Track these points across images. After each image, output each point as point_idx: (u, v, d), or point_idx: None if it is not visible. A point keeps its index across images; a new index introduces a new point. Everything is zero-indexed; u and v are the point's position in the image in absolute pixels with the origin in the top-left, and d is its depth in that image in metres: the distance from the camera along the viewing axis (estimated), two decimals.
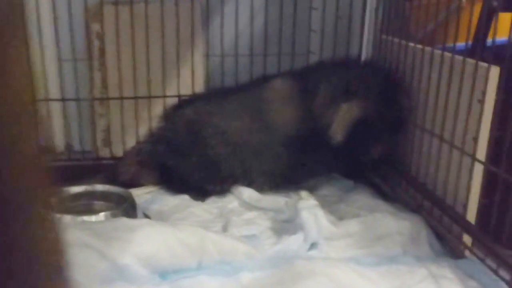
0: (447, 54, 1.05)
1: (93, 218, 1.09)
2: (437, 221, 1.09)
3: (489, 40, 1.04)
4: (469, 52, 1.02)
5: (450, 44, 1.05)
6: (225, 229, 1.10)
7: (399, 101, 1.18)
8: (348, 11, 1.42)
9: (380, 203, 1.17)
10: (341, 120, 1.15)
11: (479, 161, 0.97)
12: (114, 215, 1.09)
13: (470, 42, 1.05)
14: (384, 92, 1.17)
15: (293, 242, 1.00)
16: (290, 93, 1.23)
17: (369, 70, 1.25)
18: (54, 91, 1.43)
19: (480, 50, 1.00)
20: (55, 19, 1.35)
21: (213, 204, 1.23)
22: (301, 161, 1.25)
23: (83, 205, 1.21)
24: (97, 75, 1.45)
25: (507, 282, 0.88)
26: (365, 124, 1.15)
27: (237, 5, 1.41)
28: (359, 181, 1.32)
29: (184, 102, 1.35)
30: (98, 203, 1.22)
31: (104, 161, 1.43)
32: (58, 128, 1.49)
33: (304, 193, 1.14)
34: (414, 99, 1.18)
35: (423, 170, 1.16)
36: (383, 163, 1.29)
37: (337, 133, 1.15)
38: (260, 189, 1.25)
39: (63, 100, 1.44)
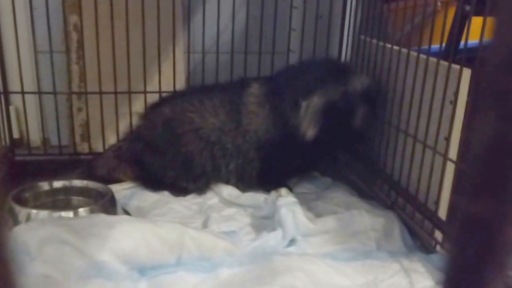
0: (422, 56, 1.08)
1: (70, 214, 1.08)
2: (410, 218, 1.12)
3: (462, 43, 1.07)
4: (443, 54, 1.05)
5: (425, 46, 1.08)
6: (204, 225, 1.11)
7: (358, 79, 1.19)
8: (328, 11, 1.44)
9: (356, 200, 1.20)
10: (306, 117, 1.17)
11: (451, 160, 1.00)
12: (92, 211, 1.09)
13: (444, 45, 1.08)
14: (342, 81, 1.18)
15: (272, 239, 1.01)
16: (265, 98, 1.25)
17: (328, 65, 1.26)
18: (29, 84, 1.41)
19: (453, 52, 1.04)
20: (31, 9, 1.32)
21: (192, 200, 1.24)
22: (273, 166, 1.27)
23: (61, 201, 1.20)
24: (75, 69, 1.43)
25: None
26: (331, 110, 1.16)
27: (218, 3, 1.41)
28: (336, 179, 1.35)
29: (164, 100, 1.35)
30: (76, 199, 1.21)
31: (82, 156, 1.42)
32: (34, 122, 1.47)
33: (283, 190, 1.16)
34: (389, 99, 1.21)
35: (397, 168, 1.19)
36: (358, 157, 1.32)
37: (307, 129, 1.17)
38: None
39: (39, 93, 1.42)
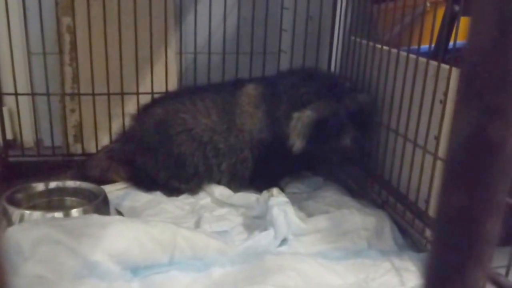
0: (412, 56, 1.09)
1: (64, 214, 1.08)
2: (401, 217, 1.13)
3: (451, 43, 1.08)
4: (432, 55, 1.06)
5: (414, 47, 1.09)
6: (197, 225, 1.12)
7: (353, 98, 1.20)
8: (319, 12, 1.45)
9: (347, 200, 1.21)
10: (296, 129, 1.17)
11: (441, 159, 1.01)
12: (85, 212, 1.09)
13: (433, 45, 1.09)
14: (337, 98, 1.19)
15: (264, 238, 1.02)
16: (260, 99, 1.26)
17: (327, 80, 1.27)
18: (23, 85, 1.41)
19: (442, 52, 1.05)
20: (25, 11, 1.33)
21: (185, 201, 1.24)
22: (266, 166, 1.28)
23: (54, 202, 1.21)
24: (68, 70, 1.43)
25: None
26: (321, 126, 1.17)
27: (210, 4, 1.42)
28: (328, 179, 1.36)
29: (156, 101, 1.36)
30: (69, 199, 1.22)
31: (75, 157, 1.42)
32: (27, 123, 1.47)
33: (275, 190, 1.17)
34: (379, 99, 1.22)
35: (388, 168, 1.20)
36: (351, 160, 1.33)
37: (295, 141, 1.18)
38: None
39: (32, 94, 1.42)
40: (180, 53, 1.48)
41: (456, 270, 0.23)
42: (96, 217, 1.02)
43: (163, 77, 1.42)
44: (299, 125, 1.17)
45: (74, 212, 1.10)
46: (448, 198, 0.23)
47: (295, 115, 1.17)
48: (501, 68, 0.21)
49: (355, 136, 1.17)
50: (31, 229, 0.92)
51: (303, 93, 1.21)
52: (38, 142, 1.45)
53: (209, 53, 1.45)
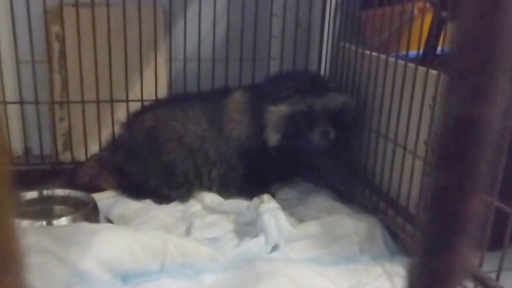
0: (400, 62, 1.10)
1: (53, 223, 1.07)
2: (392, 221, 1.14)
3: (439, 49, 1.10)
4: (420, 60, 1.07)
5: (403, 52, 1.10)
6: (188, 232, 1.11)
7: (334, 97, 1.21)
8: (308, 18, 1.46)
9: (338, 205, 1.22)
10: (270, 122, 1.20)
11: (431, 164, 1.02)
12: (75, 220, 1.08)
13: (421, 51, 1.11)
14: (315, 95, 1.20)
15: (255, 244, 1.02)
16: (247, 106, 1.27)
17: (308, 78, 1.28)
18: (11, 94, 1.40)
19: (430, 58, 1.06)
20: (13, 19, 1.32)
21: (175, 208, 1.24)
22: (256, 173, 1.28)
23: (43, 210, 1.19)
24: (57, 78, 1.43)
25: None
26: (295, 120, 1.19)
27: (199, 11, 1.42)
28: (318, 185, 1.36)
29: (146, 109, 1.36)
30: (58, 208, 1.21)
31: (65, 166, 1.41)
32: (16, 132, 1.46)
33: (265, 197, 1.17)
34: (369, 104, 1.23)
35: (378, 173, 1.21)
36: (337, 162, 1.34)
37: (270, 135, 1.20)
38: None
39: (21, 103, 1.41)
40: (170, 60, 1.48)
41: (443, 247, 0.24)
42: (85, 225, 1.02)
43: (153, 85, 1.42)
44: (273, 118, 1.19)
45: (63, 220, 1.09)
46: (436, 178, 0.24)
47: (271, 108, 1.20)
48: (485, 51, 0.22)
49: (324, 131, 1.17)
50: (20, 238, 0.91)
51: (283, 89, 1.22)
52: (26, 150, 1.43)
53: (199, 60, 1.45)
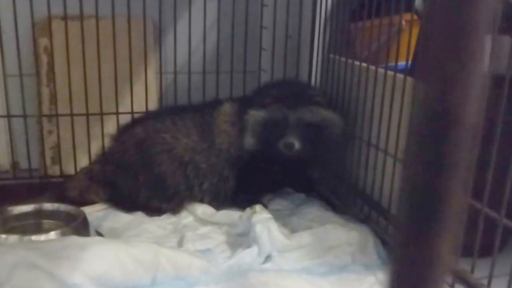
0: (390, 73, 1.11)
1: (42, 237, 1.06)
2: (384, 230, 1.14)
3: None
4: (409, 71, 1.09)
5: (392, 63, 1.12)
6: (180, 244, 1.10)
7: (315, 111, 1.22)
8: (298, 31, 1.47)
9: (330, 215, 1.22)
10: (248, 127, 1.22)
11: None
12: (64, 234, 1.07)
13: (410, 62, 1.12)
14: (295, 102, 1.22)
15: (248, 255, 1.01)
16: (236, 117, 1.28)
17: (293, 88, 1.30)
18: None
19: None
20: (0, 32, 1.31)
21: (167, 220, 1.23)
22: (247, 184, 1.29)
23: (31, 225, 1.17)
24: (45, 91, 1.42)
25: (449, 285, 0.93)
26: (269, 127, 1.21)
27: (189, 23, 1.43)
28: (310, 195, 1.37)
29: (136, 121, 1.35)
30: (47, 222, 1.19)
31: (53, 179, 1.39)
32: (3, 146, 1.44)
33: (257, 207, 1.16)
34: (359, 114, 1.24)
35: (369, 182, 1.21)
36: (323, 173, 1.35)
37: (246, 139, 1.22)
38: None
39: (8, 116, 1.40)
40: (160, 73, 1.48)
41: (422, 246, 0.23)
42: (74, 239, 1.00)
43: (143, 97, 1.41)
44: (251, 121, 1.22)
45: (52, 234, 1.07)
46: (411, 172, 0.23)
47: (251, 112, 1.23)
48: (456, 38, 0.21)
49: (288, 143, 1.18)
50: (7, 253, 0.89)
51: (265, 96, 1.25)
52: (14, 164, 1.41)
53: (189, 72, 1.45)
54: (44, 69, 1.41)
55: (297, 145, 1.19)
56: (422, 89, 0.22)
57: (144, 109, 1.41)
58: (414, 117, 0.23)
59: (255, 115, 1.22)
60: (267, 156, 1.24)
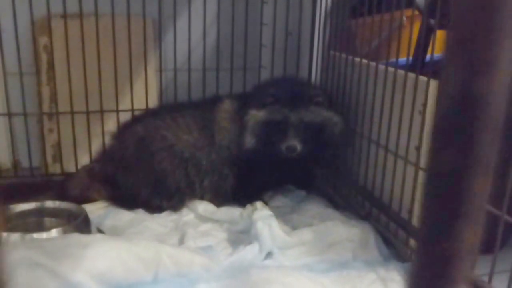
0: (390, 69, 1.11)
1: (43, 235, 1.06)
2: (385, 227, 1.14)
3: (428, 56, 1.11)
4: (410, 67, 1.08)
5: (392, 60, 1.11)
6: (181, 241, 1.10)
7: (316, 112, 1.22)
8: (298, 27, 1.47)
9: (331, 212, 1.22)
10: (248, 126, 1.22)
11: (422, 169, 1.02)
12: (65, 232, 1.07)
13: (411, 58, 1.12)
14: (296, 103, 1.22)
15: (249, 252, 1.02)
16: (236, 113, 1.27)
17: (297, 88, 1.29)
18: None
19: (420, 65, 1.07)
20: (0, 31, 1.31)
21: (168, 218, 1.23)
22: (248, 180, 1.28)
23: (33, 223, 1.18)
24: (46, 90, 1.42)
25: None
26: (270, 128, 1.21)
27: (189, 21, 1.42)
28: (311, 192, 1.36)
29: (136, 118, 1.35)
30: (48, 220, 1.19)
31: (54, 177, 1.39)
32: (4, 144, 1.44)
33: (258, 204, 1.16)
34: (360, 111, 1.24)
35: (370, 179, 1.21)
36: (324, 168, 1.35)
37: (245, 138, 1.22)
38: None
39: (9, 115, 1.40)
40: (160, 70, 1.48)
41: (447, 229, 0.23)
42: (76, 237, 1.00)
43: (143, 95, 1.41)
44: (251, 122, 1.22)
45: (54, 232, 1.07)
46: (438, 157, 0.23)
47: (251, 112, 1.22)
48: (485, 26, 0.21)
49: (290, 146, 1.18)
50: (9, 252, 0.90)
51: (265, 96, 1.24)
52: (15, 163, 1.41)
53: (189, 69, 1.45)
54: (44, 67, 1.41)
55: (299, 147, 1.18)
56: (450, 77, 0.22)
57: (144, 107, 1.41)
58: (441, 104, 0.22)
59: (255, 115, 1.22)
60: (267, 156, 1.24)
